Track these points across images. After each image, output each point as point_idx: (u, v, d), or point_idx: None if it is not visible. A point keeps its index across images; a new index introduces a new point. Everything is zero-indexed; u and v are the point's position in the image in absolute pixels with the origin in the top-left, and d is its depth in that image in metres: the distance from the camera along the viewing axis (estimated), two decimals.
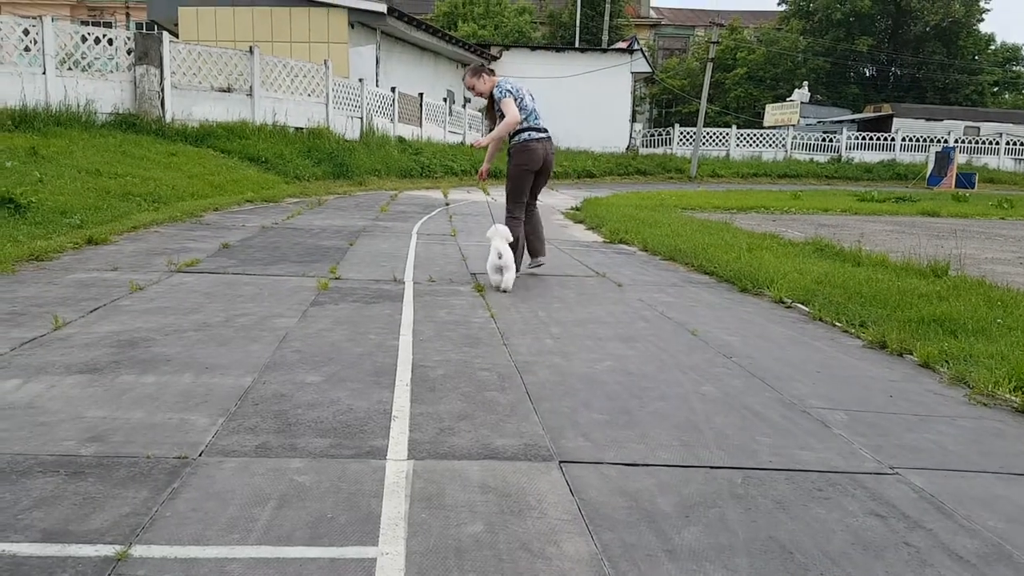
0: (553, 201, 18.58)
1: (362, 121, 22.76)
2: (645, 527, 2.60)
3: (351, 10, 24.38)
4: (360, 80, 23.10)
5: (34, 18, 14.37)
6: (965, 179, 33.10)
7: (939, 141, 38.99)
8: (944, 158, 34.52)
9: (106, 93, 15.26)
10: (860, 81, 53.26)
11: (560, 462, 3.10)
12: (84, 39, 15.12)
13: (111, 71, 15.53)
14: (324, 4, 24.36)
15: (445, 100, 30.42)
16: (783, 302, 6.64)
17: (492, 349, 4.76)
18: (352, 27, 24.62)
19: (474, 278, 7.17)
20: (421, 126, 27.41)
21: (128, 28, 45.10)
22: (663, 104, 56.62)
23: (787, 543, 2.53)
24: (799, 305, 6.46)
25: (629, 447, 3.28)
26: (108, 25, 41.48)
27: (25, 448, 2.98)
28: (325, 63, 20.99)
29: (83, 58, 14.99)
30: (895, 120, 42.02)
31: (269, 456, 3.02)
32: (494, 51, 35.45)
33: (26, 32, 14.04)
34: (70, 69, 14.62)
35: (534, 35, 49.54)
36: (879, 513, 2.78)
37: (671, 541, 2.51)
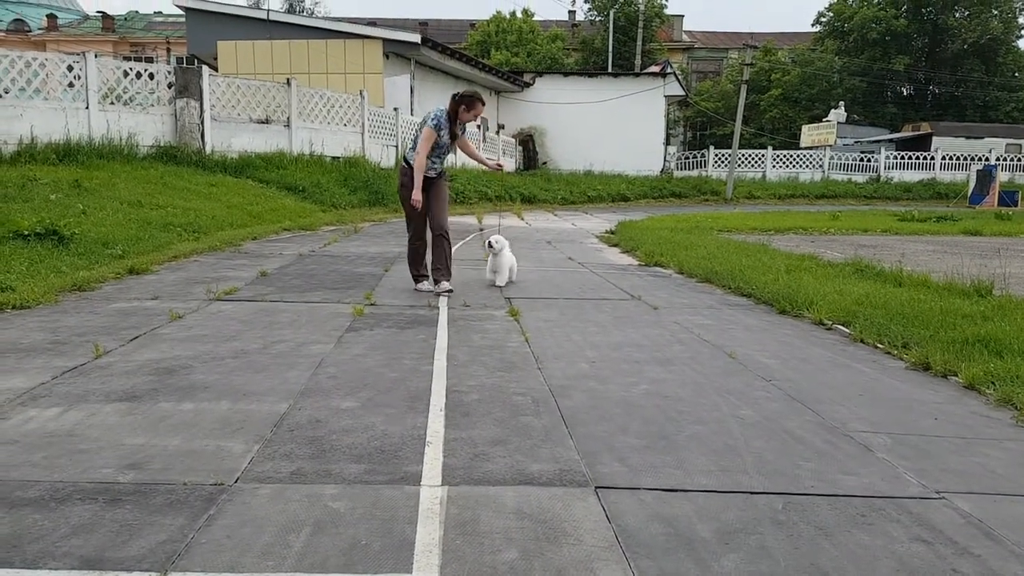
0: (587, 225, 18.55)
1: (397, 149, 22.98)
2: (683, 554, 2.55)
3: (386, 41, 24.74)
4: (395, 109, 23.37)
5: (78, 55, 14.76)
6: (1008, 197, 32.47)
7: (980, 159, 38.36)
8: (986, 176, 33.93)
9: (147, 126, 15.58)
10: (897, 100, 52.71)
11: (596, 488, 3.06)
12: (126, 74, 15.47)
13: (152, 105, 15.87)
14: (359, 36, 24.75)
15: (479, 127, 30.62)
16: (823, 323, 6.54)
17: (527, 373, 4.74)
18: (387, 57, 24.95)
19: (509, 303, 7.16)
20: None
21: (169, 62, 46.20)
22: (697, 127, 56.58)
23: (830, 571, 2.46)
24: (840, 326, 6.36)
25: (666, 472, 3.23)
26: (150, 60, 42.41)
27: (64, 476, 3.02)
28: (360, 93, 21.28)
29: (125, 92, 15.33)
30: (934, 139, 41.45)
31: (304, 482, 3.02)
32: (527, 78, 35.65)
33: (70, 68, 14.40)
34: (112, 103, 14.94)
35: (567, 61, 49.94)
36: (925, 539, 2.70)
37: (710, 569, 2.46)
